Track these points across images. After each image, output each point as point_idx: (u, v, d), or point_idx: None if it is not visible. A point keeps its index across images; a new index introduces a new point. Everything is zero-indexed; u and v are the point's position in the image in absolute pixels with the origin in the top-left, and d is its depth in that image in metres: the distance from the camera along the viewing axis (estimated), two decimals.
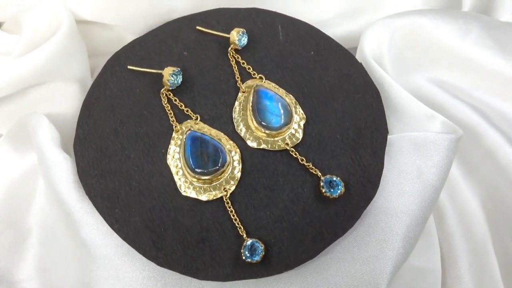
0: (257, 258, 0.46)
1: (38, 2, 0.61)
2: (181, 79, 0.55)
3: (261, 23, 0.60)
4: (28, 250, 0.56)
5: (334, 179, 0.49)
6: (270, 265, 0.48)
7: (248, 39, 0.58)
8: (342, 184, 0.49)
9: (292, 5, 0.69)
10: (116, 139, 0.53)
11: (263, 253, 0.47)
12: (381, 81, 0.58)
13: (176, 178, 0.51)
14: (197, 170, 0.49)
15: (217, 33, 0.58)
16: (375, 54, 0.60)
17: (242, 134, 0.52)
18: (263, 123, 0.52)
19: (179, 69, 0.55)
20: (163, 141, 0.53)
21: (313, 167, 0.50)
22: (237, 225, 0.49)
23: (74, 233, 0.50)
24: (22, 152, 0.59)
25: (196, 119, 0.53)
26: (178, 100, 0.54)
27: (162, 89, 0.55)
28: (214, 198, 0.50)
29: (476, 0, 0.74)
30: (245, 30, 0.57)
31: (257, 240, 0.47)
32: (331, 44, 0.58)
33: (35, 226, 0.57)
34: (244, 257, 0.47)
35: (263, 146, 0.52)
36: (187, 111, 0.54)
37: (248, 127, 0.53)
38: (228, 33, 0.57)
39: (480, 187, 0.61)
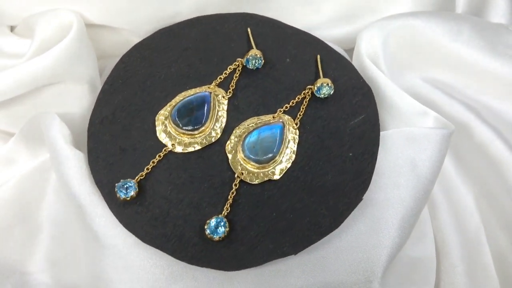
0: (120, 194, 0.50)
1: (49, 7, 0.63)
2: (256, 65, 0.58)
3: (358, 102, 0.57)
4: (39, 243, 0.58)
5: (222, 223, 0.49)
6: (123, 213, 0.51)
7: (331, 96, 0.57)
8: (223, 233, 0.49)
9: (291, 7, 0.71)
10: (170, 56, 0.59)
11: (127, 198, 0.50)
12: (376, 80, 0.60)
13: (165, 107, 0.56)
14: (173, 114, 0.54)
15: (319, 67, 0.59)
16: (371, 54, 0.62)
17: (232, 133, 0.55)
18: (243, 142, 0.53)
19: (261, 58, 0.58)
20: (198, 84, 0.58)
21: (229, 205, 0.51)
22: (145, 170, 0.52)
23: (85, 226, 0.52)
24: (34, 149, 0.61)
25: (228, 95, 0.57)
26: (238, 75, 0.58)
27: (239, 58, 0.59)
28: (160, 142, 0.54)
29: (468, 3, 0.77)
30: (333, 86, 0.56)
31: (136, 187, 0.51)
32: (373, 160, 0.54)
33: (46, 220, 0.59)
34: (117, 188, 0.51)
35: (229, 155, 0.53)
36: (231, 86, 0.57)
37: (240, 136, 0.54)
38: (331, 78, 0.58)
39: (472, 180, 0.63)
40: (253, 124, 0.55)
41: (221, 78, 0.58)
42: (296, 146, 0.54)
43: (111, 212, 0.51)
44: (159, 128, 0.54)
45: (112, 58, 0.66)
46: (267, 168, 0.53)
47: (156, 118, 0.55)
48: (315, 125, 0.56)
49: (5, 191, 0.59)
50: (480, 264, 0.60)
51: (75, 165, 0.53)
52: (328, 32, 0.71)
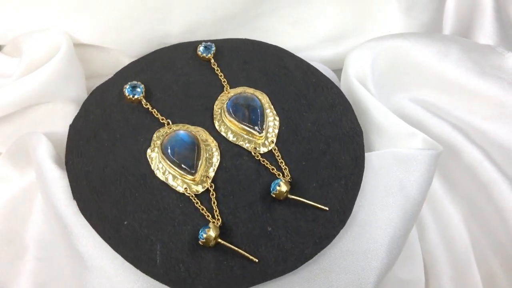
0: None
1: (37, 26, 0.64)
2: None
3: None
4: (25, 265, 0.57)
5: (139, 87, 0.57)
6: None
7: None
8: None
9: (282, 28, 0.72)
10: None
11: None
12: (364, 100, 0.60)
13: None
14: (229, 103, 0.56)
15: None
16: (359, 75, 0.62)
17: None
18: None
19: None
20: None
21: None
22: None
23: (70, 246, 0.52)
24: (20, 169, 0.60)
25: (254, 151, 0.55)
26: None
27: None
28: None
29: (456, 24, 0.78)
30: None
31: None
32: None
33: (32, 242, 0.58)
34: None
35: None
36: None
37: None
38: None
39: (461, 201, 0.63)
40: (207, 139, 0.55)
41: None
42: None
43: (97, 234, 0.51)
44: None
45: (101, 77, 0.66)
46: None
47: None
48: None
49: None
50: (469, 285, 0.59)
51: (61, 185, 0.53)
52: (318, 53, 0.71)
